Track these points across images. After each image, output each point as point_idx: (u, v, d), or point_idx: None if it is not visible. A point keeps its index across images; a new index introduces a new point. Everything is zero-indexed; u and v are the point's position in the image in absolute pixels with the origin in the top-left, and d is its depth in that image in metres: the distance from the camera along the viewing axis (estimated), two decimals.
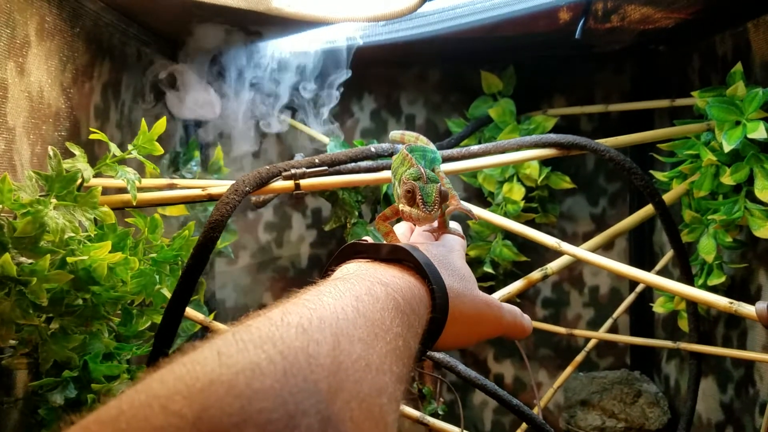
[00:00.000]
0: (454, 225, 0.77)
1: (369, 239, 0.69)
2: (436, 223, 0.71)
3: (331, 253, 1.66)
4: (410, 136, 1.02)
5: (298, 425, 0.31)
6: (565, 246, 1.08)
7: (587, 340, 1.48)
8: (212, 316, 1.23)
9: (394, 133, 1.15)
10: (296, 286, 1.51)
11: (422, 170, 0.65)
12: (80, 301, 0.82)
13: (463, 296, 0.59)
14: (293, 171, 0.97)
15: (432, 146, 0.88)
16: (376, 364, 0.40)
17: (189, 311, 1.21)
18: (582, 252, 1.07)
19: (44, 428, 0.79)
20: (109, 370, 0.82)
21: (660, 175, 1.28)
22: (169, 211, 1.20)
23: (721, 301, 0.92)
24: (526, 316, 0.67)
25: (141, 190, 1.00)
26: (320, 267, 1.66)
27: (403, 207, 0.64)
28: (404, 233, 0.74)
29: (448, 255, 0.64)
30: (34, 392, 0.81)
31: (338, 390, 0.35)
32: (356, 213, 1.37)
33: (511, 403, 1.03)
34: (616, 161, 1.11)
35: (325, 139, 1.36)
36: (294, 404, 0.32)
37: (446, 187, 0.75)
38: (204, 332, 1.53)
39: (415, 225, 0.72)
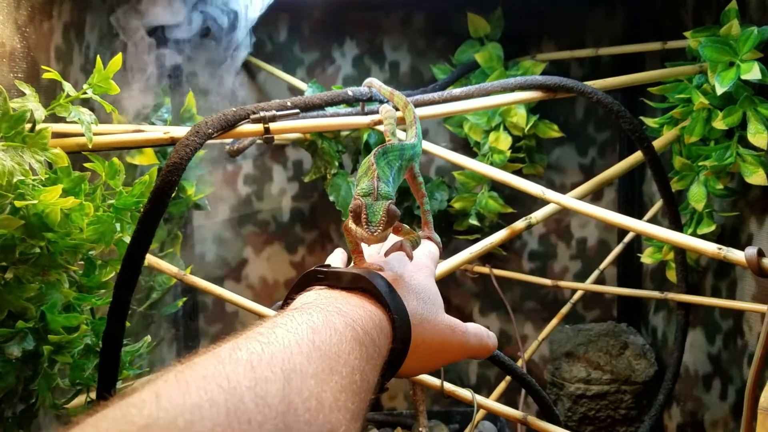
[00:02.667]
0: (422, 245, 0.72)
1: (336, 259, 0.72)
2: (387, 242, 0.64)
3: (313, 206, 1.61)
4: (386, 90, 0.96)
5: None
6: (550, 194, 1.04)
7: (574, 292, 1.45)
8: (188, 270, 1.19)
9: (371, 80, 1.10)
10: (278, 240, 1.48)
11: (376, 185, 0.58)
12: (36, 250, 0.78)
13: (426, 322, 0.58)
14: (262, 114, 0.91)
15: (410, 107, 0.83)
16: (330, 402, 0.39)
17: (163, 264, 1.17)
18: (568, 200, 1.03)
19: (1, 381, 0.75)
20: (67, 321, 0.79)
21: (650, 121, 1.23)
22: (139, 159, 1.15)
23: (709, 248, 0.89)
24: (491, 334, 0.66)
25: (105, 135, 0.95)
26: (302, 221, 1.62)
27: (351, 224, 0.58)
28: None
29: (415, 274, 0.62)
30: None
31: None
32: (336, 163, 1.33)
33: (492, 355, 1.00)
34: (604, 104, 1.06)
35: (303, 86, 1.30)
36: None
37: (425, 206, 0.73)
38: (183, 291, 1.50)
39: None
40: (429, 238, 0.72)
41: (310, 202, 1.61)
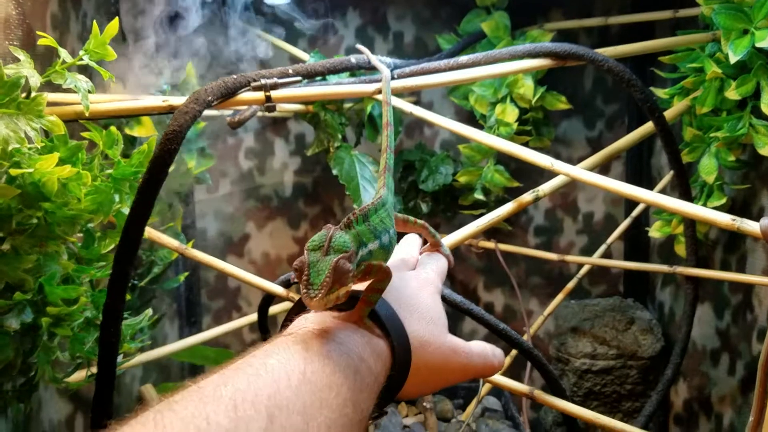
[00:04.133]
0: (430, 257, 0.70)
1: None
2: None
3: (316, 180, 1.59)
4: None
5: None
6: (558, 165, 1.01)
7: (580, 267, 1.44)
8: (190, 244, 1.18)
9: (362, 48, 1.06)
10: (280, 215, 1.45)
11: (330, 235, 0.48)
12: (33, 220, 0.76)
13: (428, 345, 0.56)
14: (263, 81, 0.89)
15: (387, 154, 0.72)
16: (330, 425, 0.40)
17: (164, 238, 1.15)
18: (577, 171, 1.00)
19: None
20: (66, 293, 0.77)
21: (660, 92, 1.20)
22: (137, 130, 1.13)
23: (723, 219, 0.86)
24: (497, 351, 0.63)
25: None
26: (305, 195, 1.60)
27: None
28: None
29: (420, 293, 0.59)
30: None
31: None
32: (339, 136, 1.30)
33: (498, 328, 0.99)
34: (614, 72, 1.03)
35: (305, 56, 1.28)
36: None
37: (429, 231, 0.67)
38: (185, 266, 1.49)
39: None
40: (438, 251, 0.69)
41: (312, 176, 1.59)
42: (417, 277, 0.62)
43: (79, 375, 0.87)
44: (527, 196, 1.09)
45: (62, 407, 1.15)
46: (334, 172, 1.30)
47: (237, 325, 1.47)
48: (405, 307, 0.56)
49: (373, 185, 1.29)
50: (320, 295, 0.46)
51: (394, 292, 0.56)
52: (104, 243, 0.87)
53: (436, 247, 0.69)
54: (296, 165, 1.58)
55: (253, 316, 1.44)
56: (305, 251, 0.48)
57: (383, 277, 0.52)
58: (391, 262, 0.64)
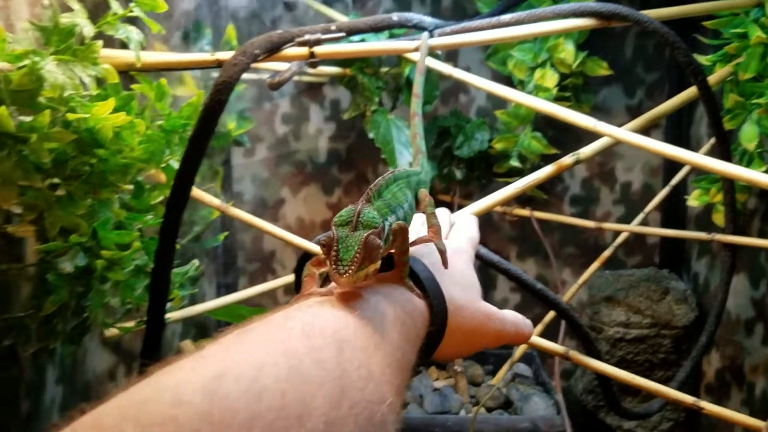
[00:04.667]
0: (463, 222, 0.70)
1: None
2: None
3: (350, 147, 1.60)
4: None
5: (303, 426, 0.31)
6: (602, 126, 1.01)
7: (615, 238, 1.43)
8: (230, 204, 1.20)
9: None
10: (314, 181, 1.47)
11: (359, 210, 0.48)
12: (87, 167, 0.78)
13: (464, 309, 0.57)
14: (307, 37, 0.90)
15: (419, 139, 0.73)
16: (377, 374, 0.41)
17: (206, 196, 1.18)
18: (620, 132, 1.00)
19: (53, 295, 0.77)
20: (119, 238, 0.79)
21: (703, 59, 1.18)
22: (180, 90, 1.15)
23: (765, 179, 0.86)
24: (528, 322, 0.64)
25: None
26: (339, 162, 1.61)
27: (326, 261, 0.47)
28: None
29: (454, 260, 0.59)
30: (42, 260, 0.79)
31: (342, 396, 0.36)
32: (376, 100, 1.31)
33: (535, 288, 0.99)
34: (659, 34, 1.02)
35: (344, 19, 1.28)
36: (301, 406, 0.32)
37: (432, 222, 0.60)
38: (222, 228, 1.51)
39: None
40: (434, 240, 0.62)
41: (347, 142, 1.60)
42: (450, 246, 0.62)
43: (128, 322, 0.90)
44: (567, 159, 1.08)
45: (105, 358, 1.19)
46: (371, 135, 1.31)
47: (272, 286, 1.49)
48: (442, 273, 0.56)
49: (408, 150, 1.30)
50: (350, 271, 0.44)
51: (428, 259, 0.57)
52: (153, 194, 0.89)
53: (433, 236, 0.60)
54: (331, 131, 1.59)
55: (288, 279, 1.46)
56: (332, 227, 0.47)
57: (404, 235, 0.52)
58: (420, 228, 0.65)
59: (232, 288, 1.60)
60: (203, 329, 1.52)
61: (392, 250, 0.53)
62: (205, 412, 0.29)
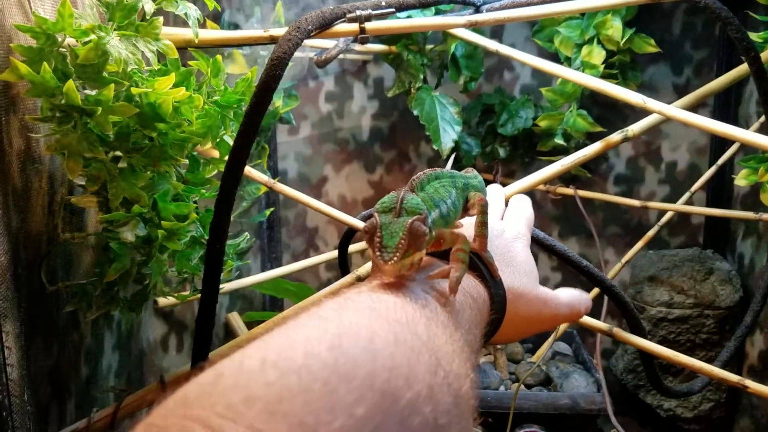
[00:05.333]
0: (519, 203, 0.69)
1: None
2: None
3: (393, 125, 1.61)
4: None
5: (411, 388, 0.33)
6: (651, 103, 1.00)
7: (659, 217, 1.42)
8: (277, 179, 1.22)
9: None
10: (357, 159, 1.48)
11: (402, 196, 0.46)
12: (147, 141, 0.81)
13: (522, 297, 0.57)
14: (358, 13, 0.90)
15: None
16: (459, 351, 0.42)
17: (254, 172, 1.20)
18: (670, 109, 0.99)
19: (116, 263, 0.80)
20: (178, 210, 0.82)
21: (755, 36, 1.16)
22: (231, 68, 1.17)
23: None
24: (584, 297, 0.65)
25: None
26: (381, 140, 1.62)
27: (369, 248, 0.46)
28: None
29: (513, 245, 0.60)
30: (105, 229, 0.82)
31: (437, 366, 0.37)
32: (421, 77, 1.31)
33: (581, 265, 0.99)
34: (711, 9, 1.00)
35: None
36: (407, 369, 0.34)
37: (481, 220, 0.56)
38: (266, 205, 1.54)
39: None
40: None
41: (389, 120, 1.61)
42: (509, 230, 0.62)
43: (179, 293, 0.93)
44: (615, 137, 1.08)
45: (158, 327, 1.23)
46: (415, 113, 1.32)
47: (315, 261, 1.52)
48: (500, 259, 0.57)
49: (453, 127, 1.30)
50: (395, 258, 0.43)
51: (489, 246, 0.57)
52: (208, 168, 0.92)
53: (480, 248, 0.57)
54: (374, 109, 1.61)
55: (330, 255, 1.48)
56: (375, 214, 0.45)
57: (460, 241, 0.49)
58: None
59: (276, 263, 1.63)
60: (249, 302, 1.56)
61: (434, 249, 0.51)
62: (331, 364, 0.31)
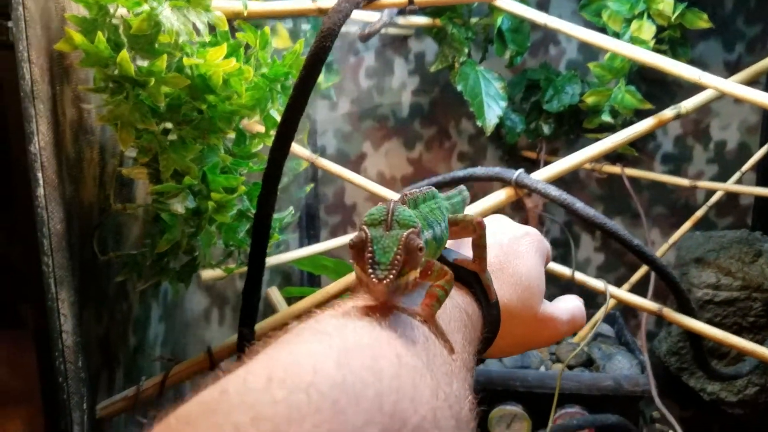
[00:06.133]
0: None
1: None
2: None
3: (433, 101, 1.59)
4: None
5: (417, 411, 0.32)
6: (706, 78, 0.97)
7: (707, 198, 1.38)
8: (317, 155, 1.22)
9: None
10: (396, 135, 1.46)
11: (391, 209, 0.41)
12: (197, 113, 0.81)
13: (518, 317, 0.54)
14: None
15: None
16: (456, 372, 0.41)
17: (297, 148, 1.20)
18: (726, 84, 0.96)
19: (167, 234, 0.81)
20: (227, 182, 0.82)
21: None
22: (275, 42, 1.16)
23: None
24: (581, 307, 0.62)
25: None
26: (421, 116, 1.60)
27: (355, 265, 0.41)
28: None
29: (518, 262, 0.56)
30: (155, 201, 0.83)
31: (437, 388, 0.35)
32: (465, 51, 1.29)
33: (632, 244, 0.97)
34: None
35: None
36: (412, 390, 0.33)
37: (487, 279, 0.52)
38: (305, 181, 1.54)
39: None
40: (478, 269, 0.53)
41: (430, 96, 1.59)
42: (518, 250, 0.58)
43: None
44: (668, 113, 1.05)
45: (201, 300, 1.24)
46: (459, 88, 1.29)
47: None
48: (501, 272, 0.55)
49: (497, 102, 1.28)
50: (391, 276, 0.38)
51: (496, 248, 0.55)
52: (254, 142, 0.92)
53: (477, 261, 0.53)
54: (414, 85, 1.59)
55: None
56: (362, 227, 0.40)
57: (448, 278, 0.44)
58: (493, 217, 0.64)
59: (313, 239, 1.64)
60: (287, 278, 1.57)
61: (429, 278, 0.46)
62: (339, 382, 0.30)
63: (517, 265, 0.56)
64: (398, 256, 0.38)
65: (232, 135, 0.90)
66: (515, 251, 0.57)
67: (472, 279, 0.52)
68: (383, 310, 0.40)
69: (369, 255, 0.38)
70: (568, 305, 0.61)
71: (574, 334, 1.41)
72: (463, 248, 0.56)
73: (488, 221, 0.60)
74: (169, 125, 0.80)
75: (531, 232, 0.61)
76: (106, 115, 0.75)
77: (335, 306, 0.42)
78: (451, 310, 0.47)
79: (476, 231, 0.51)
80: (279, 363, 0.32)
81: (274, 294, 1.45)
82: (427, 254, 0.45)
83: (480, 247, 0.52)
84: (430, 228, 0.47)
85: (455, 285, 0.49)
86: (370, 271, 0.38)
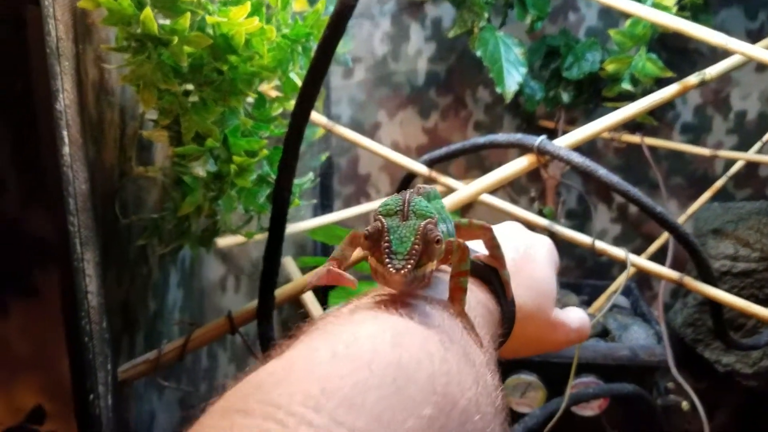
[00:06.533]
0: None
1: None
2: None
3: (450, 69, 1.57)
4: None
5: (464, 394, 0.33)
6: (733, 43, 0.95)
7: (726, 169, 1.37)
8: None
9: None
10: (412, 104, 1.44)
11: (408, 199, 0.40)
12: (217, 75, 0.80)
13: (531, 319, 0.55)
14: None
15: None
16: (487, 363, 0.41)
17: (314, 115, 1.19)
18: (754, 49, 0.94)
19: (189, 196, 0.80)
20: (249, 145, 0.81)
21: None
22: (293, 4, 1.14)
23: None
24: (588, 320, 0.62)
25: None
26: (437, 84, 1.58)
27: (370, 256, 0.40)
28: None
29: (531, 266, 0.56)
30: (176, 164, 0.82)
31: (477, 376, 0.36)
32: (485, 15, 1.27)
33: (654, 211, 0.96)
34: None
35: None
36: (459, 376, 0.34)
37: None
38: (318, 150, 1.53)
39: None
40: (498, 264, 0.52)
41: (446, 64, 1.57)
42: (531, 256, 0.59)
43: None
44: (692, 79, 1.03)
45: (217, 268, 1.24)
46: (478, 54, 1.28)
47: (366, 209, 1.51)
48: (518, 273, 0.54)
49: (518, 69, 1.26)
50: (409, 266, 0.37)
51: (512, 252, 0.55)
52: (274, 106, 0.90)
53: (494, 259, 0.52)
54: (430, 51, 1.56)
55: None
56: (377, 217, 0.39)
57: (464, 255, 0.42)
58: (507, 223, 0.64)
59: (328, 209, 1.63)
60: (302, 248, 1.57)
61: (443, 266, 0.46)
62: (395, 362, 0.31)
63: (532, 269, 0.57)
64: (416, 246, 0.37)
65: (252, 98, 0.89)
66: (530, 256, 0.58)
67: (491, 275, 0.52)
68: (413, 300, 0.40)
69: (386, 245, 0.37)
70: (577, 314, 0.62)
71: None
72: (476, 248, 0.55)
73: (502, 227, 0.62)
74: (190, 87, 0.79)
75: (544, 240, 0.63)
76: (129, 75, 0.74)
77: (367, 295, 0.42)
78: (475, 305, 0.47)
79: (485, 234, 0.50)
80: (340, 340, 0.33)
81: (289, 264, 1.45)
82: (441, 251, 0.43)
83: (495, 246, 0.51)
84: (443, 223, 0.46)
85: (476, 281, 0.49)
86: (387, 260, 0.37)
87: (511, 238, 0.60)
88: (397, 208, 0.39)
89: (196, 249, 0.89)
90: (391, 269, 0.37)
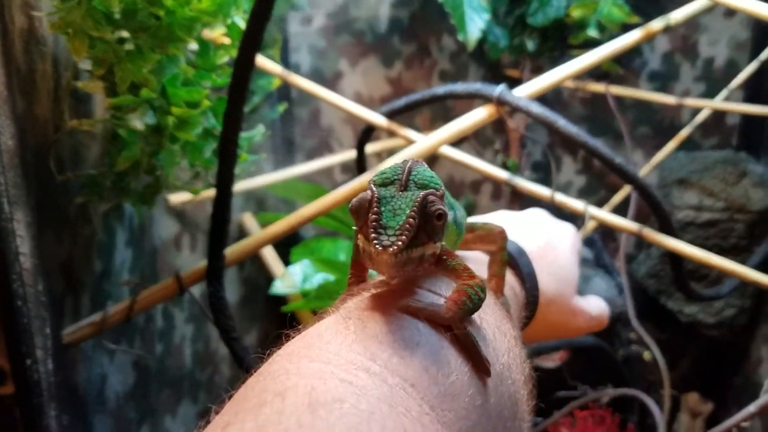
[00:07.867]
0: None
1: None
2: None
3: (413, 15, 1.51)
4: None
5: (499, 360, 0.38)
6: None
7: (692, 118, 1.35)
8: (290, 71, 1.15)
9: None
10: (374, 52, 1.38)
11: (408, 168, 0.33)
12: (153, 20, 0.74)
13: (553, 304, 0.57)
14: None
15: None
16: (516, 337, 0.44)
17: (269, 64, 1.13)
18: None
19: (125, 151, 0.76)
20: (189, 95, 0.77)
21: None
22: None
23: None
24: (607, 308, 0.66)
25: None
26: (401, 31, 1.53)
27: (359, 234, 0.34)
28: None
29: (555, 252, 0.59)
30: (113, 116, 0.77)
31: (509, 346, 0.41)
32: None
33: (613, 162, 0.94)
34: None
35: None
36: (494, 342, 0.39)
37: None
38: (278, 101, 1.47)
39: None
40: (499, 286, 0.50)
41: (409, 10, 1.51)
42: (557, 242, 0.61)
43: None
44: (656, 24, 1.00)
45: (170, 225, 1.20)
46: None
47: (329, 163, 1.47)
48: (541, 259, 0.56)
49: (480, 15, 1.21)
50: (400, 242, 0.30)
51: (530, 245, 0.57)
52: (219, 53, 0.85)
53: (495, 279, 0.48)
54: None
55: (346, 155, 1.44)
56: (370, 186, 0.33)
57: (478, 282, 0.36)
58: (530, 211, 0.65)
59: (288, 164, 1.59)
60: (262, 203, 1.53)
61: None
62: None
63: (556, 255, 0.58)
64: (411, 219, 0.30)
65: (194, 46, 0.84)
66: (553, 243, 0.60)
67: (519, 260, 0.54)
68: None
69: (374, 217, 0.31)
70: (597, 302, 0.65)
71: None
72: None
73: (528, 213, 0.65)
74: (124, 34, 0.74)
75: (568, 227, 0.65)
76: (57, 23, 0.69)
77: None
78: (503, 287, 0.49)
79: (497, 242, 0.48)
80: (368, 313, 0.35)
81: (248, 220, 1.42)
82: (449, 236, 0.39)
83: (499, 263, 0.48)
84: (452, 210, 0.39)
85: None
86: (374, 236, 0.30)
87: (535, 226, 0.62)
88: (396, 177, 0.33)
89: (139, 207, 0.85)
90: (377, 246, 0.30)
